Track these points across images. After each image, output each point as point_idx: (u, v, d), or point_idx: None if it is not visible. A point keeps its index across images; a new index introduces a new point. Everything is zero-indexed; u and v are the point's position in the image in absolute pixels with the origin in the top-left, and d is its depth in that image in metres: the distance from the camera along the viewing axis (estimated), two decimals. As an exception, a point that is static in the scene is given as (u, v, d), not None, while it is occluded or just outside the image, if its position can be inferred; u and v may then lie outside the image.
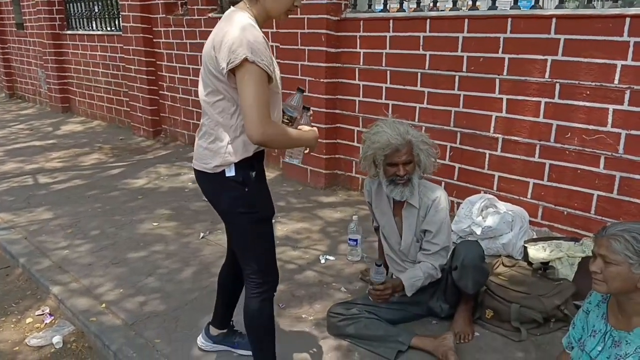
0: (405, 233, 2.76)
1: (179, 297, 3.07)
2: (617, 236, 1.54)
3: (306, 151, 2.16)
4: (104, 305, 3.01)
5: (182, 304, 2.99)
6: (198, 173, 2.09)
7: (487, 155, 3.87)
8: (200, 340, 2.56)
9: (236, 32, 1.81)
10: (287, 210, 4.47)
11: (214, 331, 2.53)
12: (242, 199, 2.00)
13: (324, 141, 4.85)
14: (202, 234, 3.95)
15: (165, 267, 3.45)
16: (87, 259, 3.60)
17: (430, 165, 2.67)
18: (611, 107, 3.22)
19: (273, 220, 4.17)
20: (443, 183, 4.17)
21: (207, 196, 2.14)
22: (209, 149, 1.99)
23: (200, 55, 2.04)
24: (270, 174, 5.29)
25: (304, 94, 2.16)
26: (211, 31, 1.96)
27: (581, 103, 3.34)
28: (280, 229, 4.09)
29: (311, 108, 2.24)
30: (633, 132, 3.16)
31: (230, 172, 1.96)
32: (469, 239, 3.54)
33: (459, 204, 3.88)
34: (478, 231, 3.46)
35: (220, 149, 1.96)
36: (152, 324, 2.81)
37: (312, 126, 2.15)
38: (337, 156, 4.95)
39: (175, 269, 3.42)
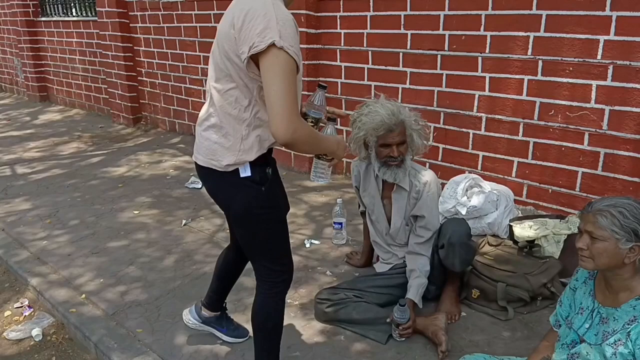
0: (394, 216, 2.72)
1: (161, 285, 3.01)
2: (604, 211, 1.51)
3: (330, 164, 1.92)
4: (84, 296, 2.94)
5: (164, 292, 2.93)
6: (204, 170, 1.87)
7: (471, 135, 3.84)
8: (188, 316, 2.47)
9: (262, 9, 1.57)
10: (270, 195, 4.41)
11: (205, 312, 2.44)
12: (258, 199, 1.79)
13: (307, 124, 4.78)
14: (184, 222, 3.88)
15: (146, 256, 3.38)
16: (67, 249, 3.52)
17: (422, 146, 2.62)
18: (594, 83, 3.19)
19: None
20: (427, 164, 4.14)
21: (216, 196, 1.92)
22: (220, 145, 1.77)
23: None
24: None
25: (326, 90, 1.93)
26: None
27: (564, 79, 3.30)
28: (264, 214, 4.02)
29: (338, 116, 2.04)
30: (617, 107, 3.14)
31: (246, 172, 1.76)
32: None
33: (443, 184, 3.83)
34: (463, 211, 3.43)
35: (233, 145, 1.75)
36: (134, 313, 2.75)
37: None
38: (320, 139, 4.87)
39: (156, 258, 3.35)
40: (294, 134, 1.55)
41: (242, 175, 1.77)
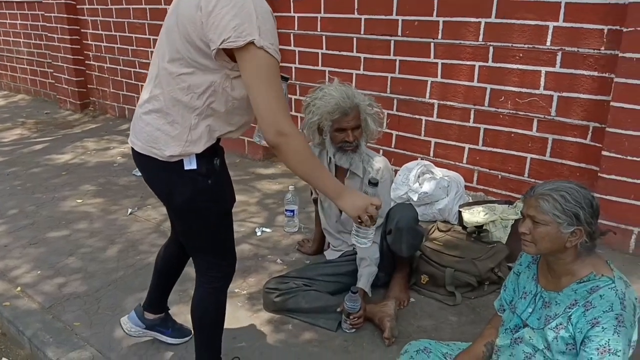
0: None
1: (102, 277, 2.88)
2: (546, 195, 1.49)
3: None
4: (19, 288, 2.78)
5: (105, 284, 2.80)
6: (142, 157, 1.69)
7: (424, 122, 3.82)
8: (129, 324, 2.25)
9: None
10: (222, 183, 4.30)
11: (149, 316, 2.26)
12: (204, 193, 1.67)
13: (260, 111, 4.67)
14: (130, 210, 3.74)
15: (88, 246, 3.23)
16: (3, 240, 3.33)
17: (375, 131, 2.57)
18: (543, 69, 3.21)
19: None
20: (381, 151, 4.10)
21: (155, 187, 1.76)
22: (163, 132, 1.61)
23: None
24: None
25: (287, 82, 1.80)
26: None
27: (514, 66, 3.32)
28: (215, 202, 3.92)
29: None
30: (565, 94, 3.17)
31: (191, 165, 1.62)
32: (407, 205, 3.51)
33: (396, 171, 3.82)
34: (414, 197, 3.42)
35: (180, 134, 1.59)
36: (72, 306, 2.61)
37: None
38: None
39: (99, 248, 3.21)
40: (286, 138, 1.48)
41: (186, 167, 1.62)
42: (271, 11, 1.52)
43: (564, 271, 1.56)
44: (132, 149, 1.74)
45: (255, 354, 2.25)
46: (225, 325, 2.41)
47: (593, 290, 1.47)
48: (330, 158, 2.60)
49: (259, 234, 3.39)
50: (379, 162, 2.63)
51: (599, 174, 3.01)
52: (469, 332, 2.35)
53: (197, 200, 1.68)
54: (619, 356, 1.38)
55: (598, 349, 1.40)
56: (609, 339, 1.39)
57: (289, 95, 1.73)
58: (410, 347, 1.89)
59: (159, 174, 1.70)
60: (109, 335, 2.38)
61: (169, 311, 2.33)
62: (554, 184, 1.52)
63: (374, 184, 1.82)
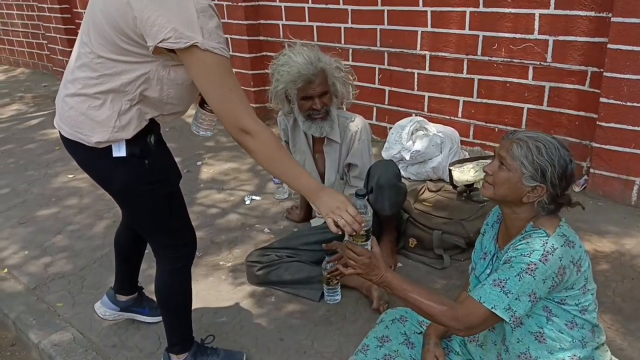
0: (328, 171, 2.57)
1: (87, 255, 2.85)
2: (522, 141, 1.37)
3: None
4: (5, 270, 2.78)
5: (90, 262, 2.78)
6: (70, 142, 1.58)
7: (416, 75, 3.65)
8: (102, 309, 2.19)
9: None
10: (215, 151, 4.22)
11: (122, 298, 2.20)
12: (142, 175, 1.57)
13: (251, 72, 4.53)
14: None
15: (76, 223, 3.20)
16: (-7, 220, 3.32)
17: (348, 93, 2.43)
18: (537, 12, 2.99)
19: (198, 163, 3.92)
20: (375, 108, 3.96)
21: (90, 173, 1.67)
22: (88, 117, 1.50)
23: None
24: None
25: None
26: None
27: (506, 10, 3.10)
28: (207, 170, 3.85)
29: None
30: (560, 37, 2.96)
31: (120, 152, 1.52)
32: (400, 165, 3.39)
33: (391, 129, 3.68)
34: (407, 156, 3.29)
35: (107, 120, 1.49)
36: (56, 286, 2.60)
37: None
38: (266, 88, 4.61)
39: (86, 224, 3.18)
40: (250, 136, 1.44)
41: (115, 154, 1.52)
42: (212, 5, 1.41)
43: (516, 228, 1.45)
44: (59, 132, 1.63)
45: (236, 329, 2.21)
46: (207, 300, 2.40)
47: (524, 239, 1.38)
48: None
49: (247, 202, 3.32)
50: (356, 123, 2.50)
51: (597, 123, 2.83)
52: (457, 295, 2.27)
53: (135, 184, 1.59)
54: (508, 297, 1.31)
55: (495, 280, 1.35)
56: (508, 277, 1.33)
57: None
58: (386, 317, 1.82)
59: (90, 160, 1.61)
60: (91, 316, 2.34)
61: (143, 290, 2.27)
62: (536, 134, 1.40)
63: (361, 195, 1.51)
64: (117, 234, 2.10)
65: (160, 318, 2.24)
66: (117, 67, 1.46)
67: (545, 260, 1.32)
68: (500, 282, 1.34)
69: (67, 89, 1.56)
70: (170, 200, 1.69)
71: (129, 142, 1.53)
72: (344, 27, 3.93)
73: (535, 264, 1.31)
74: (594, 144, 2.88)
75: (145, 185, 1.59)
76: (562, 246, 1.35)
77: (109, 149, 1.53)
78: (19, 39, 7.88)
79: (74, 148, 1.59)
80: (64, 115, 1.57)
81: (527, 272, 1.31)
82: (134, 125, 1.52)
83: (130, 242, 2.06)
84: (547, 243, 1.33)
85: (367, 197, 1.47)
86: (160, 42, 1.36)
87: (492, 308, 1.32)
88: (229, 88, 1.42)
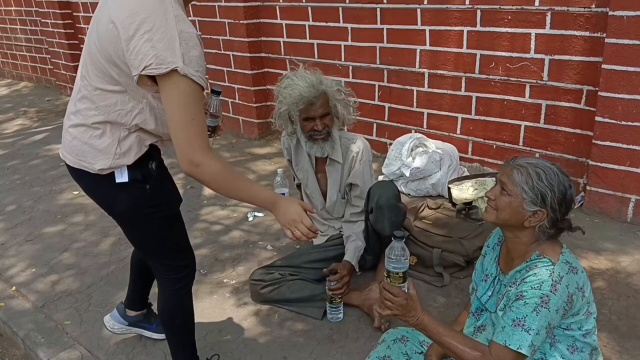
0: (330, 191, 2.63)
1: (94, 272, 2.90)
2: (522, 167, 1.44)
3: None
4: (14, 288, 2.83)
5: (96, 279, 2.83)
6: (75, 170, 1.66)
7: (415, 92, 3.71)
8: (111, 322, 2.28)
9: (162, 21, 1.38)
10: (218, 165, 4.27)
11: (131, 313, 2.28)
12: (144, 199, 1.63)
13: (253, 88, 4.60)
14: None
15: (82, 240, 3.26)
16: (0, 238, 3.37)
17: (349, 115, 2.50)
18: (533, 31, 3.06)
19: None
20: (375, 124, 4.02)
21: (94, 199, 1.75)
22: (90, 145, 1.58)
23: None
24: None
25: (221, 96, 1.76)
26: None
27: (503, 29, 3.16)
28: (210, 186, 3.90)
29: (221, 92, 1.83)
30: (556, 56, 3.02)
31: (122, 177, 1.59)
32: (400, 181, 3.45)
33: (391, 145, 3.74)
34: (407, 173, 3.35)
35: (108, 147, 1.56)
36: (64, 304, 2.65)
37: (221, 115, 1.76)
38: (268, 103, 4.71)
39: (92, 242, 3.23)
40: (198, 169, 1.45)
41: (117, 180, 1.59)
42: (197, 35, 1.46)
43: (518, 252, 1.51)
44: (65, 162, 1.70)
45: (240, 347, 2.26)
46: (212, 318, 2.45)
47: (530, 269, 1.43)
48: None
49: (250, 219, 3.37)
50: (358, 144, 2.56)
51: (593, 141, 2.89)
52: (456, 314, 2.30)
53: (137, 208, 1.65)
54: (530, 334, 1.35)
55: (514, 320, 1.38)
56: (526, 315, 1.36)
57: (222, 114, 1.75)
58: (388, 336, 1.86)
59: (94, 186, 1.68)
60: (98, 334, 2.41)
61: (152, 307, 2.33)
62: (536, 160, 1.47)
63: (398, 237, 1.44)
64: (134, 251, 2.17)
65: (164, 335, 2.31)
66: (112, 97, 1.53)
67: (555, 290, 1.37)
68: (520, 321, 1.37)
69: (70, 121, 1.64)
70: (171, 223, 1.76)
71: (130, 168, 1.60)
72: (344, 45, 4.00)
73: (547, 296, 1.36)
74: (590, 162, 2.93)
75: (147, 209, 1.66)
76: (567, 274, 1.40)
77: (111, 176, 1.60)
78: (22, 53, 7.97)
79: (79, 176, 1.67)
80: (68, 145, 1.64)
81: (542, 306, 1.36)
82: (134, 152, 1.59)
83: (143, 260, 2.11)
84: (554, 272, 1.38)
85: (404, 239, 1.48)
86: (143, 69, 1.40)
87: (518, 349, 1.36)
88: (192, 117, 1.43)
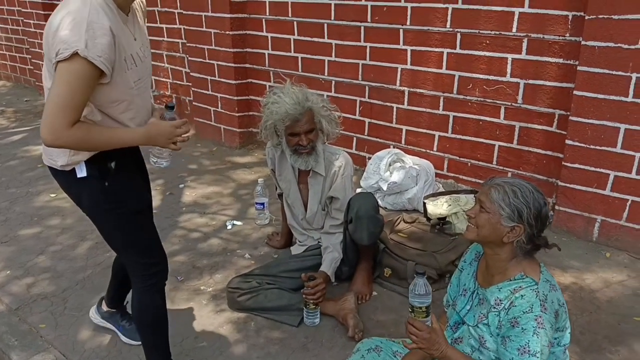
0: (311, 201, 2.69)
1: (70, 276, 2.90)
2: (499, 186, 1.53)
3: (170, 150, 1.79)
4: (-12, 290, 2.81)
5: (72, 283, 2.83)
6: (49, 168, 1.82)
7: (395, 109, 3.81)
8: (93, 311, 2.45)
9: (77, 14, 1.48)
10: (198, 174, 4.30)
11: (104, 306, 2.42)
12: (103, 194, 1.75)
13: (236, 98, 4.65)
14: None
15: (58, 244, 3.25)
16: (-26, 239, 3.34)
17: (333, 130, 2.58)
18: (510, 56, 3.18)
19: (181, 186, 3.98)
20: (355, 138, 4.10)
21: (68, 194, 1.88)
22: None
23: None
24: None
25: (174, 110, 1.81)
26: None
27: (481, 53, 3.28)
28: (189, 194, 3.93)
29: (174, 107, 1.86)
30: (530, 81, 3.15)
31: (82, 173, 1.71)
32: (377, 195, 3.52)
33: (370, 159, 3.83)
34: (384, 187, 3.43)
35: None
36: (39, 307, 2.64)
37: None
38: (250, 113, 4.76)
39: (69, 245, 3.22)
40: (56, 142, 1.53)
41: (78, 175, 1.72)
42: (110, 28, 1.51)
43: (498, 269, 1.59)
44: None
45: (215, 354, 2.29)
46: (188, 324, 2.48)
47: (516, 291, 1.50)
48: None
49: (229, 227, 3.40)
50: (340, 159, 2.64)
51: (563, 163, 3.01)
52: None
53: (97, 203, 1.77)
54: (537, 357, 1.43)
55: (519, 349, 1.45)
56: (528, 340, 1.43)
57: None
58: (362, 346, 1.92)
59: (65, 182, 1.81)
60: (73, 337, 2.41)
61: (126, 311, 2.39)
62: (512, 179, 1.57)
63: (420, 273, 1.53)
64: None
65: (132, 342, 2.36)
66: None
67: (545, 309, 1.45)
68: (524, 348, 1.44)
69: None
70: (134, 220, 1.84)
71: (88, 164, 1.71)
72: (328, 60, 4.08)
73: (540, 317, 1.44)
74: (560, 182, 3.06)
75: (106, 204, 1.77)
76: (549, 292, 1.50)
77: (74, 171, 1.72)
78: (1, 52, 7.88)
79: (52, 172, 1.82)
80: (43, 145, 1.73)
81: (539, 327, 1.43)
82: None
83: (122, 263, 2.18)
84: (539, 292, 1.47)
85: (426, 275, 1.56)
86: (55, 56, 1.47)
87: None
88: (68, 95, 1.48)
